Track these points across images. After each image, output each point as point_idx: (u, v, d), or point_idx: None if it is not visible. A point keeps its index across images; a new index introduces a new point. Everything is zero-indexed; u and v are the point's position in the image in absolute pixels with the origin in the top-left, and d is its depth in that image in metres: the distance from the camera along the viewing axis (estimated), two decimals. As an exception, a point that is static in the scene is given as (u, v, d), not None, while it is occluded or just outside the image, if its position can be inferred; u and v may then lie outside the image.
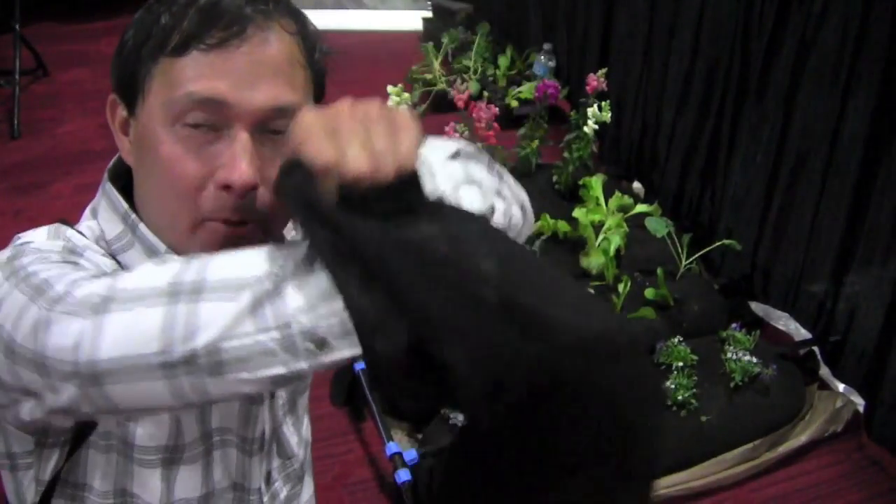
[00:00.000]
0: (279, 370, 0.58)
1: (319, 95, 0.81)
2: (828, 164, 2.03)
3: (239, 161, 0.71)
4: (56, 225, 0.78)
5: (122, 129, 0.79)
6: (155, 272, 0.61)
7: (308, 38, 0.77)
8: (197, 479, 0.83)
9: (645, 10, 2.72)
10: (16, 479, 0.79)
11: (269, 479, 0.94)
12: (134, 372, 0.59)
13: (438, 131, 2.51)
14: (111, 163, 0.84)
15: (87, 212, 0.83)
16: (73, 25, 4.17)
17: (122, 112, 0.79)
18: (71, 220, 0.81)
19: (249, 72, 0.71)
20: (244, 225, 0.74)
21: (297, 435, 1.00)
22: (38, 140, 3.16)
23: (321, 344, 0.58)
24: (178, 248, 0.76)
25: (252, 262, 0.60)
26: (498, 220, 0.72)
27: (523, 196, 0.81)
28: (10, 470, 0.79)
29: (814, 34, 2.02)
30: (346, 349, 0.58)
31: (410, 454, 1.73)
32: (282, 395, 0.93)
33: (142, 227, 0.78)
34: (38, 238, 0.75)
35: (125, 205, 0.79)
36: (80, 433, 0.77)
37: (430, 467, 1.72)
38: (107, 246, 0.79)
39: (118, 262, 0.78)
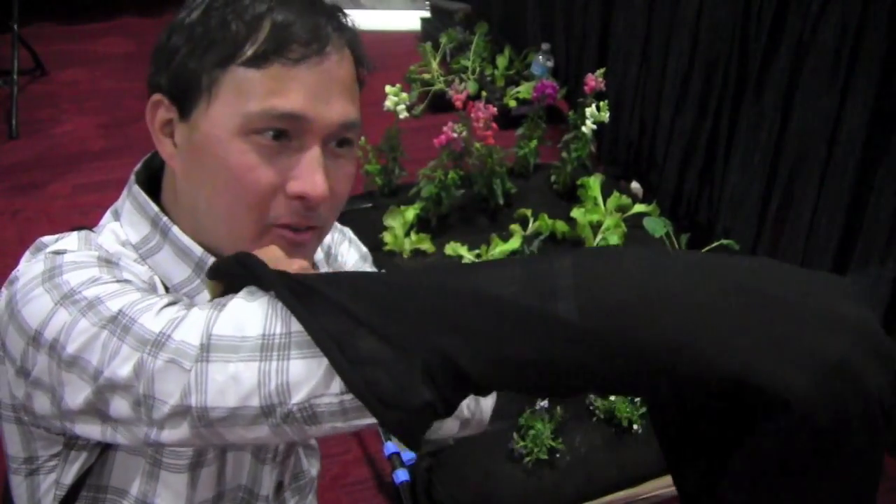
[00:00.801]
0: (371, 420, 0.60)
1: None
2: (826, 163, 2.03)
3: (315, 174, 0.74)
4: (85, 232, 0.78)
5: (164, 130, 0.78)
6: (246, 316, 0.62)
7: (359, 53, 0.80)
8: (213, 480, 0.83)
9: (643, 9, 2.72)
10: (32, 485, 0.79)
11: (279, 489, 0.94)
12: (241, 420, 0.62)
13: (437, 131, 2.51)
14: (138, 165, 0.84)
15: (109, 214, 0.83)
16: (71, 25, 4.17)
17: (164, 113, 0.78)
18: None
19: (325, 88, 0.74)
20: (306, 231, 0.77)
21: (311, 449, 1.02)
22: (36, 140, 3.16)
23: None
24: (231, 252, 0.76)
25: None
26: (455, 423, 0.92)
27: (486, 415, 0.95)
28: (28, 475, 0.78)
29: (812, 34, 2.02)
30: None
31: (408, 454, 1.73)
32: None
33: (175, 229, 0.78)
34: (69, 247, 0.75)
35: (155, 208, 0.79)
36: None
37: (427, 467, 1.72)
38: (133, 250, 0.79)
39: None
